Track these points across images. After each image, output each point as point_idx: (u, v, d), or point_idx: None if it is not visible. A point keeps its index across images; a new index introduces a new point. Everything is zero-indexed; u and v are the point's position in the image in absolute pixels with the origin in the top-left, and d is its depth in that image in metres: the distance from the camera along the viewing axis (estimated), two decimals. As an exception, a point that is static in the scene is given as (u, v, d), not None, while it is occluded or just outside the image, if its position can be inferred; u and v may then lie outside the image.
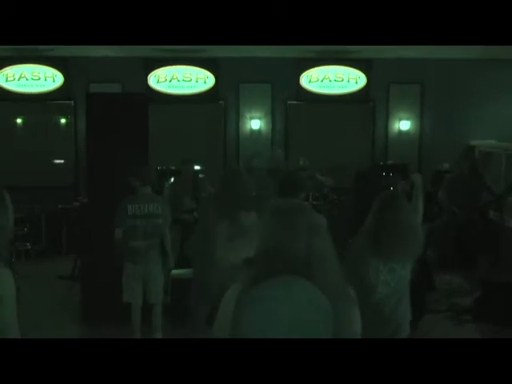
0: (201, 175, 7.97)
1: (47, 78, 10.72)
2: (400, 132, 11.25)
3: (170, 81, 10.90)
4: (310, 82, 11.01)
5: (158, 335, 5.63)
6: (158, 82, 10.87)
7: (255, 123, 11.08)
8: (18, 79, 10.67)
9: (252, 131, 11.11)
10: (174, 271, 6.37)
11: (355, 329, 2.18)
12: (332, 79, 11.02)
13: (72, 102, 10.71)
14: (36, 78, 10.70)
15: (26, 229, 9.05)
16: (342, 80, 11.02)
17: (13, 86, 10.68)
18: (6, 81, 10.65)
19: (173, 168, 8.96)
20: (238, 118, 11.09)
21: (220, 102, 11.02)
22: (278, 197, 4.63)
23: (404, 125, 11.23)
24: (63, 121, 11.09)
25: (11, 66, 10.63)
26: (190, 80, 10.91)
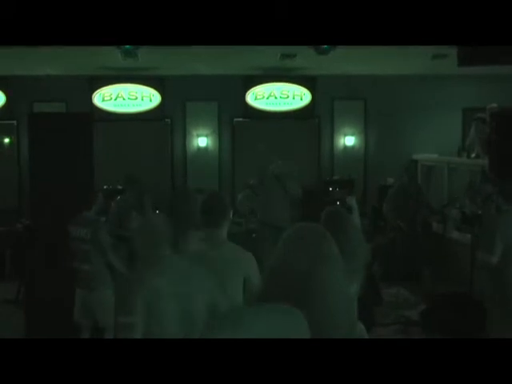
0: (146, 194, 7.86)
1: (-12, 98, 10.50)
2: (345, 147, 11.43)
3: (116, 99, 10.79)
4: (255, 99, 11.08)
5: None
6: (103, 100, 10.75)
7: (202, 141, 11.08)
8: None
9: (199, 149, 11.11)
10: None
11: None
12: (278, 96, 11.12)
13: (15, 121, 10.48)
14: (-23, 97, 10.48)
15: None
16: (288, 97, 11.13)
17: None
18: None
19: (119, 187, 8.86)
20: (184, 136, 11.08)
21: (166, 119, 10.99)
22: (202, 223, 3.73)
23: (349, 140, 11.40)
24: (6, 141, 10.87)
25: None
26: (136, 98, 10.84)
